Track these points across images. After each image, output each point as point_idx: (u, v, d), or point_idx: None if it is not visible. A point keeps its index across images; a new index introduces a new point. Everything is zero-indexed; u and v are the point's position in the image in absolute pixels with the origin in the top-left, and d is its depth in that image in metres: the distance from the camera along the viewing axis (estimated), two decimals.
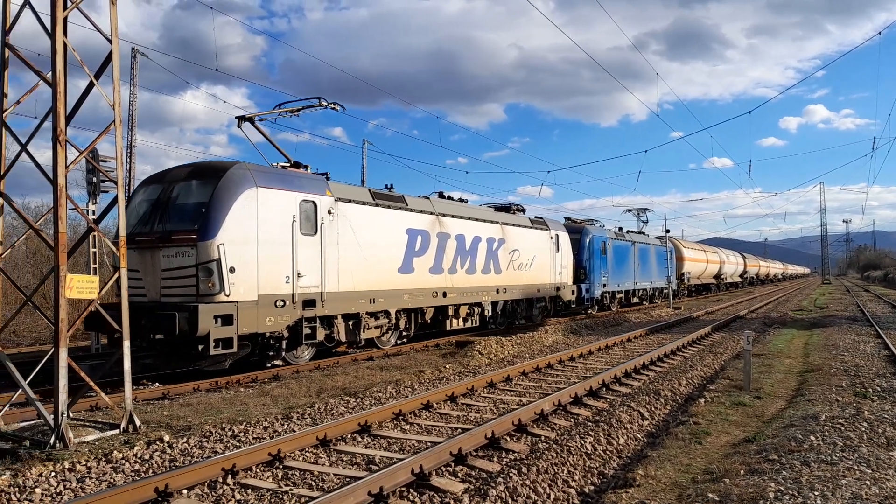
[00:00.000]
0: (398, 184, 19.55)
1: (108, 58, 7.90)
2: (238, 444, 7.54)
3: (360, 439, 7.72)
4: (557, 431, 8.05)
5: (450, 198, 19.67)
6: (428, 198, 18.10)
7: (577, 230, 28.52)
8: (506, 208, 23.26)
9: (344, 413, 9.17)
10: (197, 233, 11.67)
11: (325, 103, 15.14)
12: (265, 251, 12.29)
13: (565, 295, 25.31)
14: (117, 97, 7.94)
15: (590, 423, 8.35)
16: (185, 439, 7.63)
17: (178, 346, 11.69)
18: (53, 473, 6.43)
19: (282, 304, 12.55)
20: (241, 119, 14.64)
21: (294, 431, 8.01)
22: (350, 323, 14.78)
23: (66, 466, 6.61)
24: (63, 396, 7.24)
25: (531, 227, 23.03)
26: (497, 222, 20.81)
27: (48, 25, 7.48)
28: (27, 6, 7.74)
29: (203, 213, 11.78)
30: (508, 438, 7.58)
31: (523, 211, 23.91)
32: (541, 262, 23.21)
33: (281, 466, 6.62)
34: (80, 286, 7.55)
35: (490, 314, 20.16)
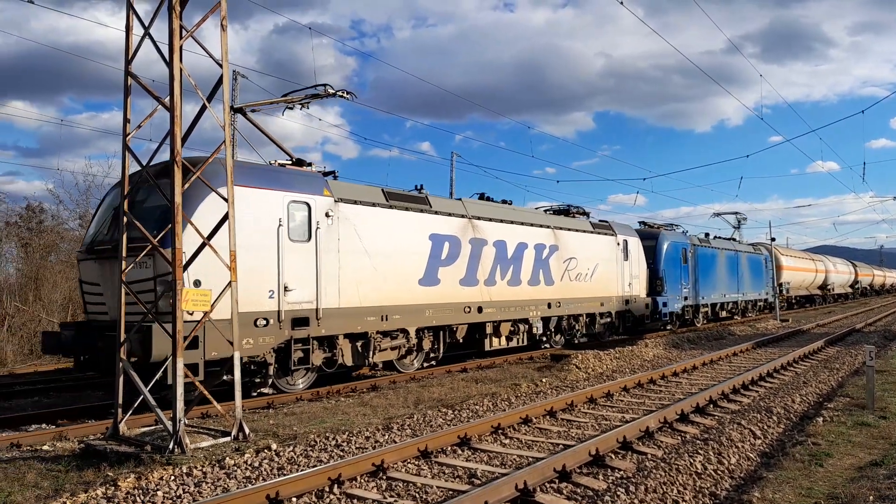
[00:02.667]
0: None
1: (219, 81, 8.33)
2: (342, 453, 7.69)
3: (460, 452, 7.71)
4: (664, 449, 7.76)
5: (489, 199, 17.54)
6: (461, 199, 16.19)
7: (651, 236, 25.46)
8: (564, 211, 20.92)
9: (442, 425, 9.19)
10: (159, 241, 9.72)
11: (331, 90, 13.26)
12: (241, 261, 10.14)
13: (637, 309, 22.62)
14: (227, 118, 8.36)
15: (698, 441, 7.99)
16: (291, 448, 7.85)
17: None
18: (173, 477, 6.76)
19: (264, 322, 10.82)
20: (231, 109, 11.96)
21: (395, 442, 8.10)
22: (359, 343, 12.96)
23: (184, 471, 6.94)
24: (180, 404, 7.63)
25: (592, 232, 20.50)
26: (549, 226, 18.47)
27: (166, 54, 7.96)
28: (147, 37, 8.26)
29: (163, 216, 9.90)
30: (613, 456, 7.37)
31: (586, 215, 21.53)
32: (604, 272, 20.69)
33: (384, 477, 6.69)
34: (195, 299, 7.95)
35: (540, 332, 17.85)
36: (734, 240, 36.33)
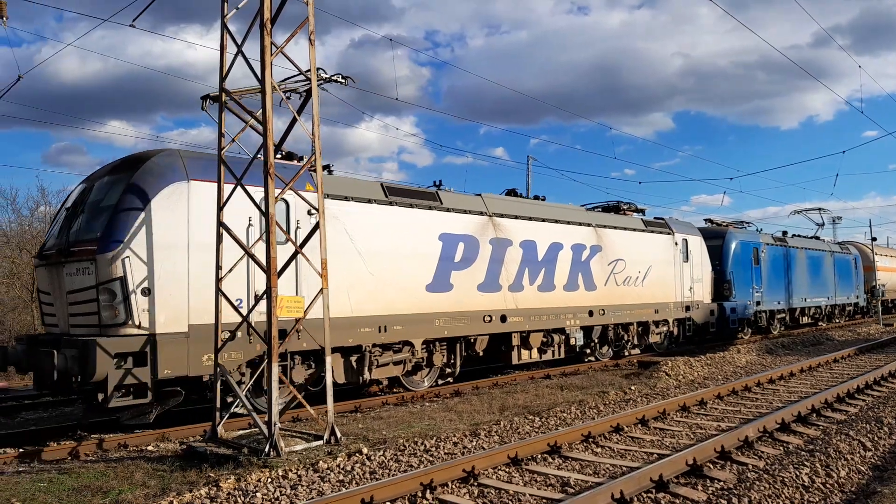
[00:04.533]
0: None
1: (308, 94, 8.56)
2: (431, 458, 7.73)
3: (550, 460, 7.60)
4: (766, 460, 7.41)
5: (519, 195, 15.88)
6: (479, 195, 14.38)
7: (716, 234, 23.07)
8: (613, 207, 18.96)
9: (530, 432, 9.10)
10: (97, 243, 9.04)
11: (325, 76, 11.15)
12: (202, 266, 9.26)
13: (699, 316, 20.31)
14: (317, 131, 8.58)
15: (802, 453, 7.59)
16: (381, 452, 7.95)
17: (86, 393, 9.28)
18: (270, 479, 6.96)
19: (230, 335, 9.35)
20: (206, 98, 10.45)
21: (483, 449, 8.08)
22: (353, 358, 11.49)
23: (280, 474, 7.13)
24: (275, 409, 7.86)
25: (644, 231, 18.34)
26: (589, 224, 16.48)
27: (258, 71, 8.26)
28: (240, 54, 8.59)
29: (107, 217, 9.20)
30: (711, 466, 7.09)
31: (640, 212, 19.49)
32: (659, 275, 18.46)
33: (476, 483, 6.67)
34: (289, 306, 8.19)
35: (581, 343, 15.95)
36: (818, 238, 33.28)
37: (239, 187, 8.48)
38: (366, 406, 11.87)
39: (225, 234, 8.74)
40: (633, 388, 12.94)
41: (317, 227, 8.74)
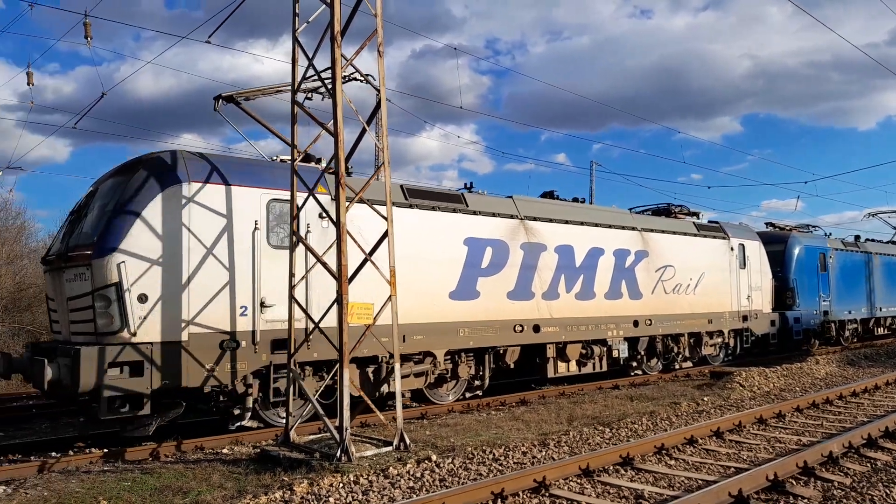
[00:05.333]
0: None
1: (378, 105, 8.70)
2: (500, 467, 7.69)
3: (622, 471, 7.45)
4: (852, 477, 7.06)
5: (557, 197, 15.10)
6: (511, 197, 13.66)
7: (778, 239, 21.77)
8: (664, 210, 18.05)
9: (601, 443, 8.95)
10: (93, 247, 8.76)
11: (348, 74, 11.14)
12: (202, 271, 9.02)
13: (758, 326, 19.03)
14: (385, 140, 8.70)
15: (892, 470, 7.22)
16: (450, 459, 7.96)
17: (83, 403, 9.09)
18: (342, 484, 7.06)
19: (233, 345, 9.20)
20: (218, 98, 10.60)
21: (553, 459, 7.98)
22: (370, 370, 10.93)
23: (352, 479, 7.22)
24: (346, 414, 7.98)
25: (696, 235, 17.27)
26: (634, 228, 15.53)
27: (328, 83, 8.44)
28: (311, 67, 8.80)
29: (104, 221, 8.98)
30: (794, 482, 6.80)
31: (694, 215, 18.54)
32: (713, 283, 17.36)
33: (547, 494, 6.59)
34: (359, 313, 8.31)
35: (625, 355, 15.04)
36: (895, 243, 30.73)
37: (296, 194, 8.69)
38: (431, 413, 11.91)
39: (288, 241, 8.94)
40: (705, 399, 12.56)
41: (385, 235, 8.85)
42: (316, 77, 8.85)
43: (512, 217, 13.07)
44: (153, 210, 8.85)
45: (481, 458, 8.11)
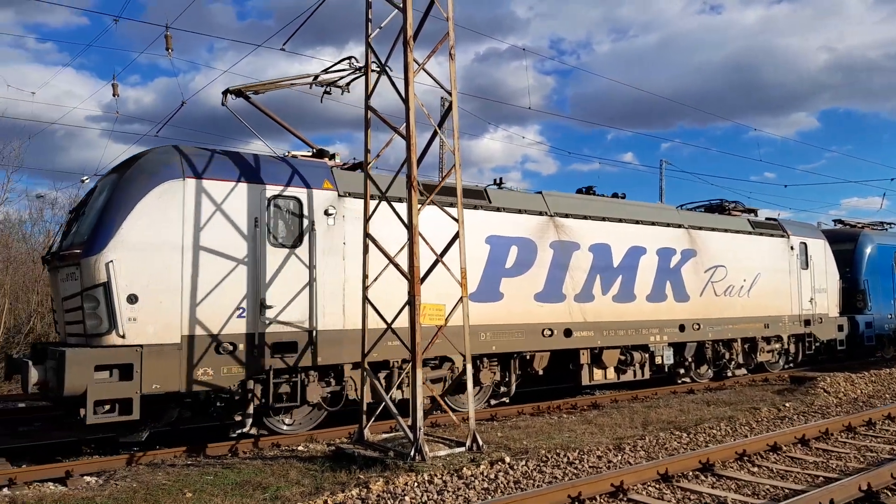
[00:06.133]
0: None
1: (449, 107, 8.74)
2: (575, 471, 7.59)
3: (703, 478, 7.24)
4: None
5: (592, 193, 14.18)
6: (540, 193, 12.83)
7: (846, 237, 20.20)
8: (717, 207, 16.98)
9: (678, 448, 8.73)
10: (83, 246, 8.47)
11: (357, 64, 11.02)
12: (198, 271, 8.72)
13: (823, 332, 17.69)
14: (457, 143, 8.74)
15: None
16: (523, 462, 7.91)
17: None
18: (417, 483, 7.11)
19: (230, 348, 8.87)
20: (227, 92, 10.41)
21: (630, 464, 7.84)
22: (381, 375, 10.28)
23: (426, 478, 7.27)
24: (420, 414, 8.04)
25: (751, 233, 16.15)
26: (680, 225, 14.59)
27: (401, 88, 8.54)
28: (384, 73, 8.93)
29: (95, 218, 8.69)
30: (889, 493, 6.46)
31: (751, 212, 17.39)
32: (770, 284, 16.21)
33: (625, 499, 6.48)
34: (431, 314, 8.36)
35: (670, 361, 14.09)
36: None
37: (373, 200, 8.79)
38: (501, 415, 11.87)
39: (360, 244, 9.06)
40: (787, 405, 12.09)
41: (456, 236, 8.87)
42: (336, 70, 9.49)
43: (541, 214, 12.29)
44: (145, 207, 8.52)
45: (555, 461, 8.03)
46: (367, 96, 9.12)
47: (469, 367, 8.77)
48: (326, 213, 9.79)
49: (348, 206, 10.05)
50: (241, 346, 8.93)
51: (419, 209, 8.37)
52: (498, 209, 11.72)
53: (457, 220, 8.84)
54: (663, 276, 13.95)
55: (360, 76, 10.74)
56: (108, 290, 8.15)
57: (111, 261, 8.18)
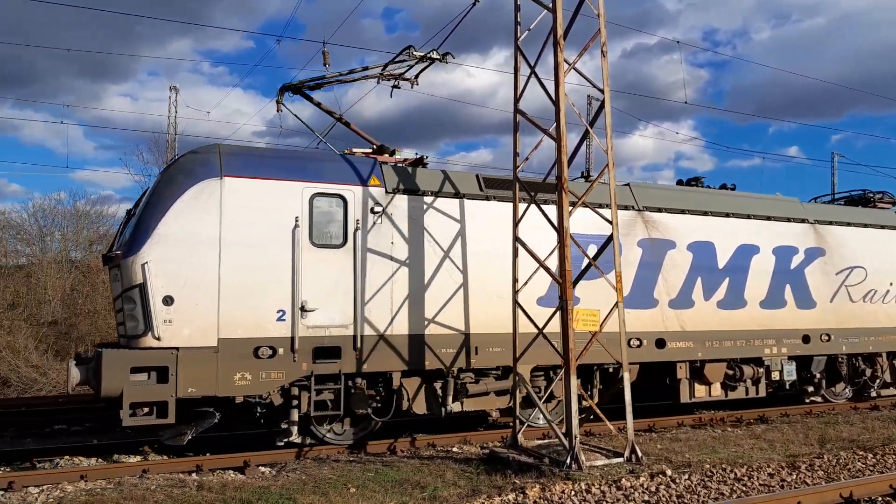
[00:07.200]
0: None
1: (601, 106, 8.54)
2: (744, 488, 7.13)
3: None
4: None
5: (700, 184, 12.69)
6: (627, 184, 11.50)
7: None
8: (860, 199, 14.81)
9: (863, 470, 7.93)
10: (123, 247, 8.44)
11: (416, 54, 10.47)
12: (236, 272, 8.46)
13: None
14: (610, 142, 8.50)
15: None
16: (686, 476, 7.53)
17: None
18: (574, 492, 6.98)
19: (269, 352, 8.54)
20: (283, 89, 10.15)
21: (807, 484, 7.22)
22: (437, 385, 9.65)
23: (583, 487, 7.12)
24: (576, 421, 7.89)
25: (894, 229, 13.99)
26: (804, 220, 12.73)
27: (550, 89, 8.45)
28: (534, 76, 8.89)
29: (136, 219, 8.63)
30: None
31: None
32: None
33: None
34: (585, 319, 8.19)
35: (790, 378, 12.22)
36: None
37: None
38: (660, 426, 11.38)
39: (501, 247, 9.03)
40: None
41: (610, 238, 8.63)
42: (399, 60, 9.74)
43: (626, 208, 10.98)
44: (181, 207, 8.38)
45: (721, 476, 7.58)
46: (516, 100, 9.11)
47: (626, 375, 8.53)
48: (373, 210, 9.32)
49: (397, 204, 9.49)
50: (281, 351, 8.64)
51: (570, 211, 8.23)
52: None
53: (610, 222, 8.60)
54: (782, 278, 12.23)
55: (427, 65, 10.70)
56: (143, 291, 8.08)
57: (146, 262, 8.11)
